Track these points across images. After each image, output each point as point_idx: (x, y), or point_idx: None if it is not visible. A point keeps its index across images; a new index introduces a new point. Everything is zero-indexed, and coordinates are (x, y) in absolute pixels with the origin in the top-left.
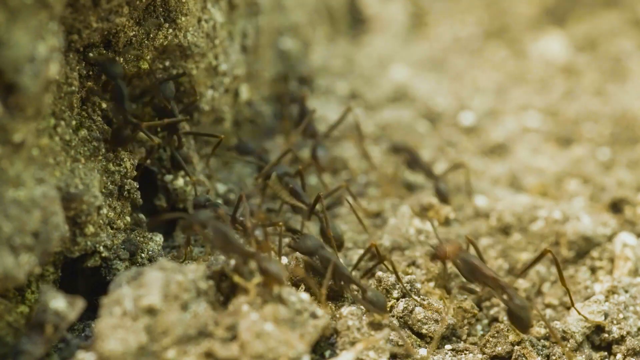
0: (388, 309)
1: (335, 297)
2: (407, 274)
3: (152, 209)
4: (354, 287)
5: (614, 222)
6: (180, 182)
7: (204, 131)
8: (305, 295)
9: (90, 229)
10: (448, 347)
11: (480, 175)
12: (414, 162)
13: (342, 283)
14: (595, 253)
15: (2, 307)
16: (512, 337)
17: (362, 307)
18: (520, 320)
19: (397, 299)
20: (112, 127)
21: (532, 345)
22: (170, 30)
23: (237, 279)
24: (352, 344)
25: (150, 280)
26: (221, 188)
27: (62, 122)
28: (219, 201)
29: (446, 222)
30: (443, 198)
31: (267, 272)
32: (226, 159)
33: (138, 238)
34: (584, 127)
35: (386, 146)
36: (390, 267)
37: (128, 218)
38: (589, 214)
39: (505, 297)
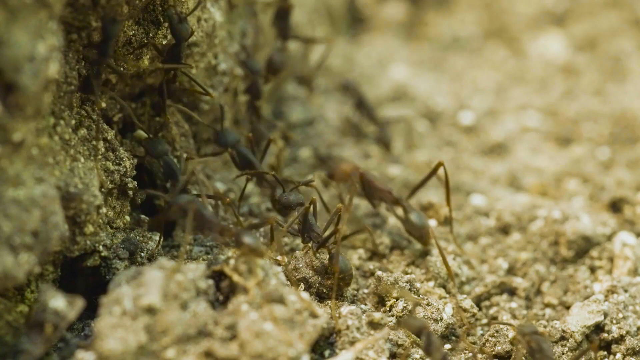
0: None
1: (335, 297)
2: (407, 273)
3: (152, 209)
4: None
5: (613, 222)
6: None
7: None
8: (305, 295)
9: (90, 229)
10: (447, 346)
11: (480, 174)
12: (360, 104)
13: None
14: (594, 252)
15: (1, 306)
16: (511, 336)
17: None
18: (417, 230)
19: (397, 299)
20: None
21: None
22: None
23: (236, 278)
24: (352, 343)
25: (150, 280)
26: (221, 187)
27: (62, 121)
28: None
29: (446, 222)
30: (385, 144)
31: (244, 244)
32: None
33: (137, 237)
34: (584, 126)
35: (337, 84)
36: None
37: (127, 217)
38: (588, 214)
39: (400, 211)
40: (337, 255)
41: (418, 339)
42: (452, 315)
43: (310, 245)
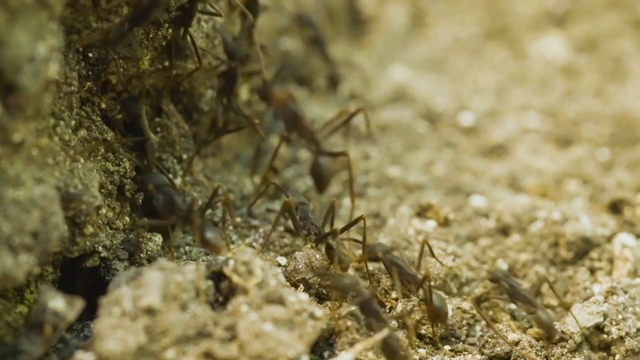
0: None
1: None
2: None
3: (152, 209)
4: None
5: (613, 223)
6: (178, 181)
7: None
8: (304, 296)
9: (90, 229)
10: (447, 347)
11: (480, 175)
12: (316, 41)
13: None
14: (594, 254)
15: (1, 307)
16: (511, 338)
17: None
18: (320, 175)
19: (396, 299)
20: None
21: (531, 346)
22: (170, 31)
23: (236, 279)
24: (351, 344)
25: (149, 281)
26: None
27: (62, 122)
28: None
29: (445, 223)
30: (334, 83)
31: (204, 238)
32: None
33: (137, 238)
34: (584, 127)
35: (293, 17)
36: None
37: (127, 218)
38: (588, 215)
39: (314, 149)
40: (338, 251)
41: (417, 340)
42: (451, 316)
43: (309, 239)
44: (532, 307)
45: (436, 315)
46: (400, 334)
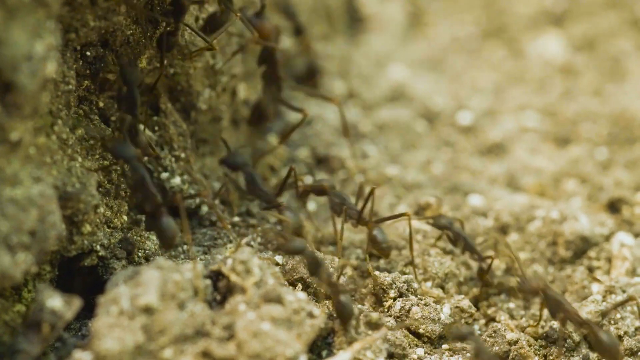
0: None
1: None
2: (404, 273)
3: None
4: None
5: (611, 222)
6: (177, 180)
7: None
8: (302, 295)
9: (87, 228)
10: (445, 346)
11: (478, 174)
12: (296, 29)
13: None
14: (592, 253)
15: None
16: (509, 337)
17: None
18: (260, 109)
19: (394, 299)
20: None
21: (529, 345)
22: (168, 29)
23: (234, 278)
24: (349, 343)
25: (147, 280)
26: (217, 186)
27: (59, 121)
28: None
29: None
30: (312, 76)
31: (158, 227)
32: None
33: (135, 237)
34: (582, 127)
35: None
36: None
37: (125, 217)
38: (586, 214)
39: (272, 90)
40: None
41: (416, 340)
42: (450, 316)
43: (260, 206)
44: (474, 255)
45: (376, 243)
46: (398, 333)
